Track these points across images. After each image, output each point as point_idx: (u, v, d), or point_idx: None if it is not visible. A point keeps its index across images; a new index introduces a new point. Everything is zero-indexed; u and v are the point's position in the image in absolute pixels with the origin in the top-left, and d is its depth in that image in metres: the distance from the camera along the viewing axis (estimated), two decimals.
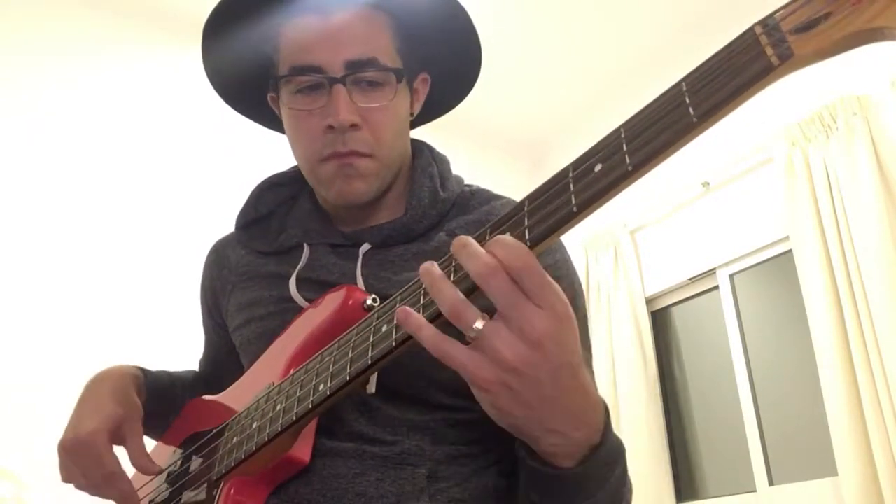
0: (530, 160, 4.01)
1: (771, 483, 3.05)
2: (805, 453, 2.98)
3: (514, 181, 3.61)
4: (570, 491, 0.65)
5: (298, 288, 0.89)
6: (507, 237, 0.57)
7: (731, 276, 3.38)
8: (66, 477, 0.89)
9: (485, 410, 0.61)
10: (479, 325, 0.57)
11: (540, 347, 0.56)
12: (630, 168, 0.52)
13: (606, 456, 0.64)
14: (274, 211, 1.02)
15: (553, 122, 3.93)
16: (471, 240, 0.59)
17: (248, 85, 0.97)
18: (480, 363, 0.57)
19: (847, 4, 0.43)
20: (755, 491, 3.09)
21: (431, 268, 0.60)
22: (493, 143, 3.97)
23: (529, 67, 3.61)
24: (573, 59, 3.58)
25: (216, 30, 0.94)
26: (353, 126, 0.85)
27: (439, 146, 1.04)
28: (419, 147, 1.01)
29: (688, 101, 0.50)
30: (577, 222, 0.56)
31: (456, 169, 1.01)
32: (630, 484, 0.74)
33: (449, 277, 0.59)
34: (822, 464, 2.83)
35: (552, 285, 0.56)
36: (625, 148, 0.53)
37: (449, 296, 0.58)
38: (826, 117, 2.91)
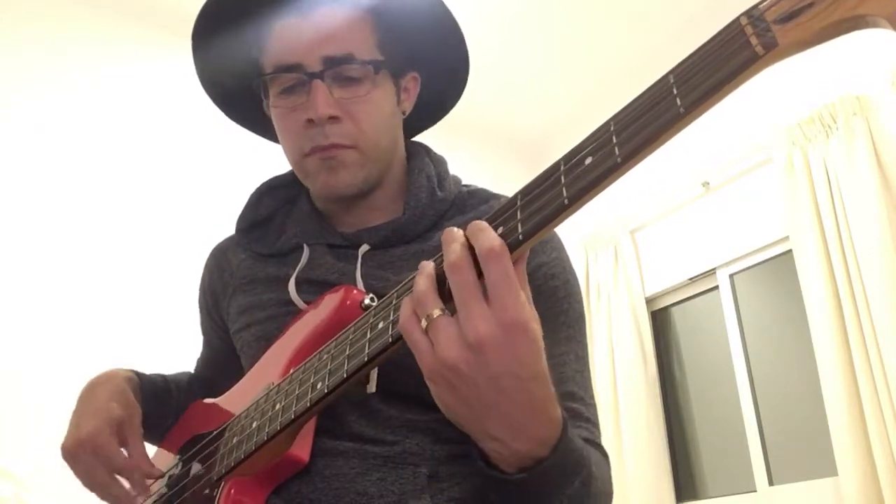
0: (530, 160, 4.00)
1: (771, 483, 3.05)
2: (805, 453, 2.98)
3: (513, 181, 3.58)
4: (518, 496, 0.64)
5: (299, 290, 0.90)
6: (483, 224, 0.58)
7: (731, 276, 3.38)
8: (84, 481, 0.88)
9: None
10: (434, 314, 0.58)
11: (479, 351, 0.56)
12: (619, 160, 0.52)
13: (554, 470, 0.62)
14: (274, 213, 1.02)
15: (552, 122, 3.93)
16: (457, 233, 0.60)
17: (244, 94, 0.97)
18: (428, 352, 0.58)
19: None
20: (755, 491, 3.09)
21: (426, 262, 0.62)
22: (493, 143, 3.97)
23: (529, 67, 3.62)
24: (572, 58, 3.58)
25: (204, 39, 0.95)
26: (333, 119, 0.86)
27: (439, 146, 1.04)
28: (416, 148, 1.01)
29: (675, 92, 0.50)
30: (569, 215, 0.56)
31: (455, 169, 1.02)
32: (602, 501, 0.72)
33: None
34: (822, 464, 2.83)
35: (514, 289, 0.56)
36: (614, 140, 0.53)
37: (418, 283, 0.60)
38: (826, 117, 2.91)
